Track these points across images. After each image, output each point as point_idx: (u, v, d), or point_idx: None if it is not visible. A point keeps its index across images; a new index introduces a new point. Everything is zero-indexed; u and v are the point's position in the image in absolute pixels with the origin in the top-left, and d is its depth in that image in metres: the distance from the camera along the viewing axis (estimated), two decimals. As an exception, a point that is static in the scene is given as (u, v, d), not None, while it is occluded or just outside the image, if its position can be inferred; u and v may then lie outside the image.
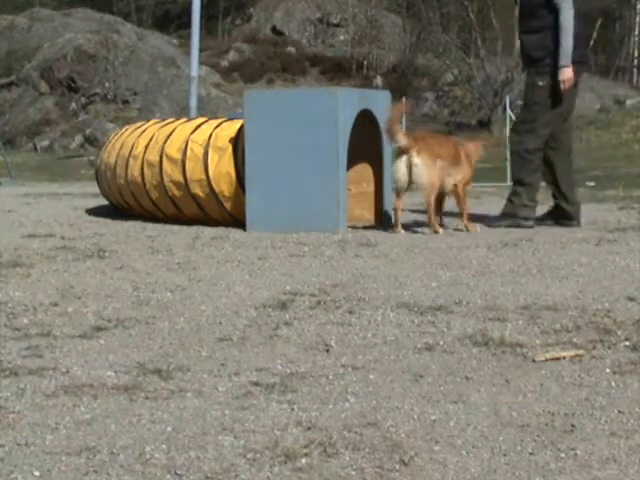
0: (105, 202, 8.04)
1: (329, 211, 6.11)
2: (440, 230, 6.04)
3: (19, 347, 3.16)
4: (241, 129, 6.43)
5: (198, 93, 12.58)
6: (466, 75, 25.85)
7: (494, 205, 7.27)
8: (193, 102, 11.75)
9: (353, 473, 2.06)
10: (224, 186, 6.44)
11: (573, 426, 2.34)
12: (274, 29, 32.75)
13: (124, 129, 7.86)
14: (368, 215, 6.78)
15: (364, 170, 6.78)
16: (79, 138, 22.67)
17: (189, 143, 6.60)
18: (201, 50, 13.50)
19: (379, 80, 28.61)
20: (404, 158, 6.01)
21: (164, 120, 7.65)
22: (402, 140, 5.99)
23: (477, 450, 2.19)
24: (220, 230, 6.27)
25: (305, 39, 32.68)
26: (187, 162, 6.55)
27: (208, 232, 6.17)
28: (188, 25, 13.28)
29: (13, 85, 25.18)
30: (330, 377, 2.79)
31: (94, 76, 24.47)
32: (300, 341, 3.24)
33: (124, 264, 4.87)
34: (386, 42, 31.02)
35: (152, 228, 6.53)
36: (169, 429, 2.34)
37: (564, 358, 2.96)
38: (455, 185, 6.24)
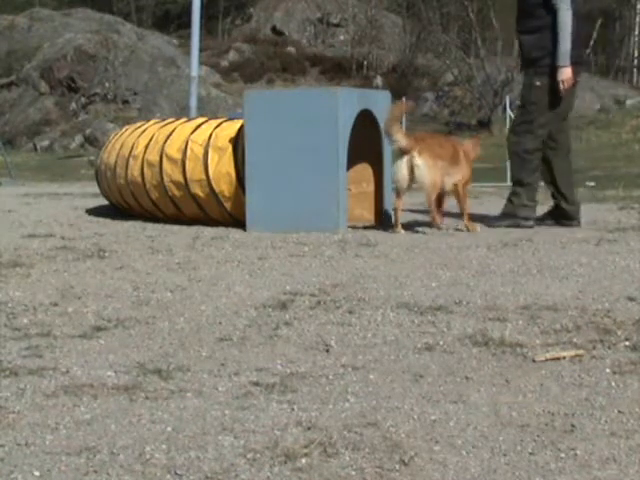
0: (105, 202, 8.04)
1: (329, 211, 6.11)
2: (443, 227, 6.06)
3: (19, 347, 3.16)
4: (241, 129, 6.43)
5: (198, 93, 12.58)
6: (466, 75, 25.86)
7: (494, 205, 7.27)
8: (193, 102, 11.75)
9: (353, 473, 2.06)
10: (224, 186, 6.44)
11: (573, 426, 2.34)
12: (274, 29, 32.75)
13: (124, 129, 7.86)
14: (368, 215, 6.78)
15: (364, 170, 6.78)
16: (79, 138, 22.68)
17: (189, 143, 6.60)
18: (201, 50, 13.51)
19: (379, 80, 28.61)
20: (405, 159, 6.00)
21: (164, 120, 7.65)
22: (402, 140, 5.98)
23: (477, 450, 2.19)
24: (220, 230, 6.27)
25: (305, 39, 32.68)
26: (187, 162, 6.55)
27: (208, 232, 6.17)
28: (188, 25, 13.28)
29: (13, 85, 25.19)
30: (330, 377, 2.79)
31: (94, 76, 24.47)
32: (300, 341, 3.24)
33: (124, 264, 4.87)
34: (386, 42, 31.02)
35: (152, 228, 6.53)
36: (169, 429, 2.34)
37: (564, 358, 2.96)
38: (455, 185, 6.25)
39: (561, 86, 6.18)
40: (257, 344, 3.20)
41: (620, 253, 5.08)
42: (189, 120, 7.51)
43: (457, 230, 6.22)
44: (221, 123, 6.78)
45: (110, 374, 2.83)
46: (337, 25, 32.76)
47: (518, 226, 6.26)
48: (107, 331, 3.40)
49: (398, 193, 6.14)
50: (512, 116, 11.76)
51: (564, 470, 2.07)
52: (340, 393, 2.63)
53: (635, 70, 32.73)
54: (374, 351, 3.09)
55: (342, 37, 32.29)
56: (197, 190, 6.53)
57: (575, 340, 3.19)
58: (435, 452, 2.18)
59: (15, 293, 4.09)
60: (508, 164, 7.88)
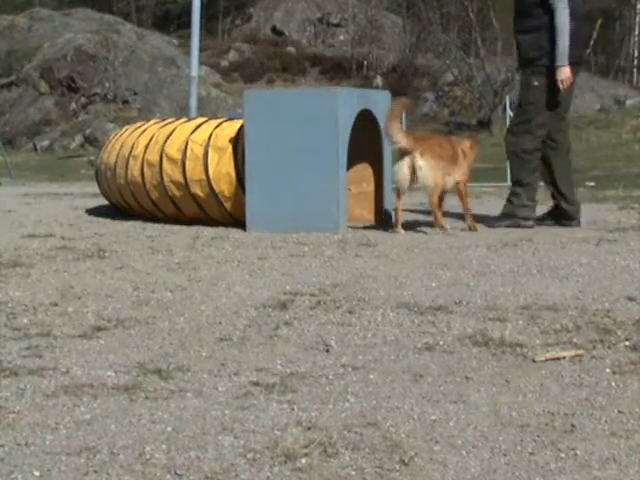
0: (105, 202, 8.04)
1: (329, 211, 6.11)
2: (447, 226, 6.04)
3: (19, 347, 3.16)
4: (241, 129, 6.43)
5: (198, 93, 12.57)
6: (466, 75, 25.86)
7: (494, 205, 7.27)
8: (193, 102, 11.75)
9: (353, 473, 2.06)
10: (224, 186, 6.44)
11: (573, 426, 2.34)
12: (274, 29, 32.74)
13: (124, 129, 7.86)
14: (368, 215, 6.78)
15: (364, 170, 6.78)
16: (79, 138, 22.68)
17: (189, 143, 6.60)
18: (201, 50, 13.50)
19: (379, 80, 28.61)
20: (407, 159, 6.00)
21: (164, 120, 7.65)
22: (403, 141, 5.97)
23: (477, 450, 2.19)
24: (220, 230, 6.27)
25: (305, 39, 32.67)
26: (187, 162, 6.55)
27: (208, 232, 6.17)
28: (188, 25, 13.27)
29: (13, 85, 25.18)
30: (330, 377, 2.79)
31: (94, 76, 24.47)
32: (300, 341, 3.24)
33: (124, 264, 4.87)
34: (386, 42, 31.01)
35: (152, 228, 6.53)
36: (169, 429, 2.34)
37: (564, 358, 2.96)
38: (458, 183, 6.25)
39: (560, 86, 6.18)
40: (257, 344, 3.20)
41: (620, 253, 5.08)
42: (189, 120, 7.51)
43: (462, 230, 6.21)
44: (221, 123, 6.78)
45: (110, 374, 2.83)
46: (337, 25, 32.76)
47: (518, 226, 6.26)
48: (107, 331, 3.40)
49: (398, 193, 6.14)
50: (512, 116, 11.77)
51: (564, 470, 2.07)
52: (340, 393, 2.63)
53: (635, 70, 32.73)
54: (374, 351, 3.09)
55: (342, 37, 32.28)
56: (197, 190, 6.53)
57: (575, 340, 3.19)
58: (435, 452, 2.18)
59: (15, 293, 4.09)
60: (508, 164, 7.88)
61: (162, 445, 2.23)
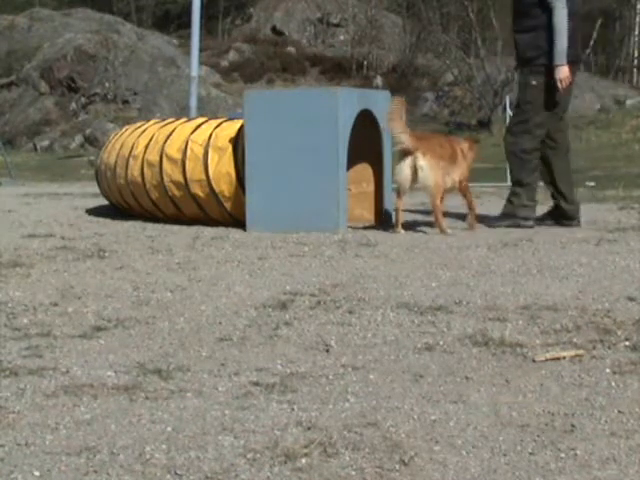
0: (105, 202, 8.05)
1: (329, 211, 6.11)
2: (448, 231, 6.01)
3: (19, 347, 3.16)
4: (241, 129, 6.43)
5: (198, 93, 12.57)
6: (466, 75, 25.86)
7: (494, 205, 7.27)
8: (193, 102, 11.75)
9: (353, 473, 2.06)
10: (224, 186, 6.44)
11: (573, 426, 2.34)
12: (274, 29, 32.74)
13: (124, 129, 7.86)
14: (368, 215, 6.78)
15: (364, 170, 6.78)
16: (79, 138, 22.68)
17: (189, 143, 6.60)
18: (201, 50, 13.50)
19: (379, 80, 28.61)
20: (408, 160, 5.99)
21: (164, 120, 7.65)
22: (406, 140, 5.96)
23: (477, 450, 2.19)
24: (220, 230, 6.27)
25: (305, 39, 32.68)
26: (187, 162, 6.55)
27: (208, 232, 6.17)
28: (188, 25, 13.27)
29: (13, 85, 25.19)
30: (330, 377, 2.79)
31: (94, 76, 24.47)
32: (300, 341, 3.24)
33: (124, 264, 4.87)
34: (386, 42, 31.02)
35: (152, 228, 6.53)
36: (169, 429, 2.34)
37: (564, 358, 2.96)
38: (460, 182, 6.25)
39: (559, 85, 6.18)
40: (257, 344, 3.20)
41: (620, 253, 5.08)
42: (189, 120, 7.51)
43: (462, 230, 6.20)
44: (221, 123, 6.78)
45: (110, 374, 2.83)
46: (337, 25, 32.76)
47: (518, 226, 6.26)
48: (107, 331, 3.40)
49: (399, 193, 6.13)
50: (511, 116, 11.76)
51: (564, 470, 2.07)
52: (340, 393, 2.63)
53: (635, 70, 32.73)
54: (374, 351, 3.09)
55: (342, 37, 32.28)
56: (197, 190, 6.53)
57: (575, 340, 3.19)
58: (435, 452, 2.18)
59: (15, 293, 4.09)
60: (508, 164, 7.88)
61: (162, 445, 2.23)
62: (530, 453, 2.17)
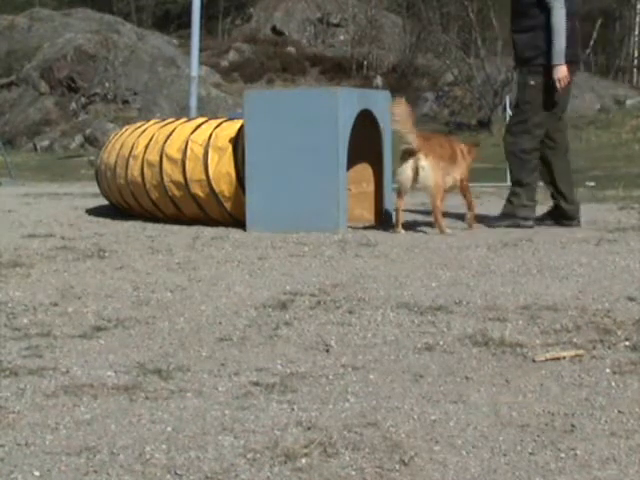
0: (105, 202, 8.05)
1: (329, 211, 6.11)
2: (448, 231, 6.01)
3: (19, 347, 3.16)
4: (241, 129, 6.43)
5: (198, 93, 12.57)
6: (466, 75, 25.86)
7: (494, 205, 7.27)
8: (193, 102, 11.75)
9: (353, 473, 2.06)
10: (224, 186, 6.44)
11: (573, 426, 2.34)
12: (274, 29, 32.75)
13: (124, 129, 7.86)
14: (368, 215, 6.78)
15: (364, 170, 6.78)
16: (79, 138, 22.68)
17: (189, 143, 6.60)
18: (201, 50, 13.50)
19: (379, 80, 28.62)
20: (410, 160, 5.99)
21: (164, 120, 7.65)
22: (413, 141, 5.94)
23: (477, 450, 2.19)
24: (220, 230, 6.27)
25: (305, 39, 32.68)
26: (187, 162, 6.55)
27: (208, 232, 6.17)
28: (188, 25, 13.27)
29: (13, 85, 25.19)
30: (330, 377, 2.79)
31: (94, 76, 24.47)
32: (300, 341, 3.24)
33: (124, 264, 4.87)
34: (386, 42, 31.02)
35: (152, 228, 6.53)
36: (169, 429, 2.34)
37: (564, 358, 2.96)
38: (461, 181, 6.25)
39: (557, 84, 6.18)
40: (257, 344, 3.20)
41: (620, 253, 5.08)
42: (189, 120, 7.51)
43: (462, 230, 6.21)
44: (221, 123, 6.78)
45: (110, 374, 2.83)
46: (337, 25, 32.76)
47: (518, 226, 6.26)
48: (107, 331, 3.40)
49: (400, 193, 6.13)
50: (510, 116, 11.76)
51: (564, 470, 2.07)
52: (340, 393, 2.63)
53: (635, 70, 32.73)
54: (374, 351, 3.09)
55: (342, 37, 32.28)
56: (197, 190, 6.53)
57: (575, 340, 3.19)
58: (435, 452, 2.18)
59: (15, 293, 4.09)
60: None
61: (162, 445, 2.23)
62: (530, 453, 2.17)
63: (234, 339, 3.27)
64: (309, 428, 2.34)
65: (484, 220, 6.51)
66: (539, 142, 6.34)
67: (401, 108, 6.08)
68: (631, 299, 3.84)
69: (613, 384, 2.70)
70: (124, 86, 24.47)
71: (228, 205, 6.47)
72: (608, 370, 2.83)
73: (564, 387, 2.68)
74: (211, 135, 6.56)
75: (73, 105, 24.13)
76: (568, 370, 2.84)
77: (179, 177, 6.60)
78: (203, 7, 12.48)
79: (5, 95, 25.00)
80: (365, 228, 6.40)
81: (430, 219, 6.26)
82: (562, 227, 6.37)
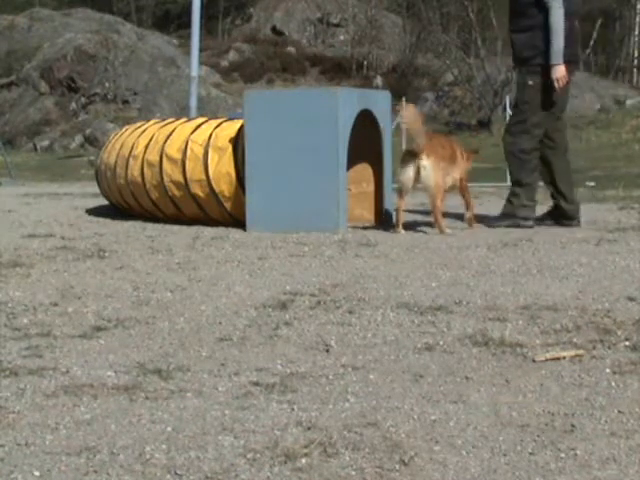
0: (105, 202, 8.05)
1: (329, 211, 6.11)
2: (448, 231, 6.01)
3: (19, 347, 3.16)
4: (241, 129, 6.44)
5: (198, 93, 12.58)
6: (466, 75, 25.86)
7: (494, 205, 7.27)
8: (193, 102, 11.75)
9: (353, 473, 2.06)
10: (224, 186, 6.44)
11: (573, 426, 2.34)
12: (274, 29, 32.76)
13: (124, 129, 7.86)
14: (368, 215, 6.78)
15: (364, 170, 6.78)
16: (79, 138, 22.69)
17: (189, 143, 6.60)
18: (201, 50, 13.50)
19: (379, 80, 28.62)
20: (412, 160, 5.99)
21: (164, 120, 7.65)
22: (421, 144, 5.95)
23: (477, 450, 2.19)
24: (220, 230, 6.27)
25: (305, 39, 32.69)
26: (187, 162, 6.55)
27: (208, 232, 6.17)
28: (188, 25, 13.28)
29: (13, 85, 25.20)
30: (330, 377, 2.79)
31: (94, 76, 24.48)
32: (300, 341, 3.24)
33: (124, 264, 4.87)
34: (386, 42, 31.03)
35: (152, 228, 6.53)
36: (169, 429, 2.34)
37: (564, 358, 2.96)
38: (461, 180, 6.26)
39: (556, 84, 6.18)
40: (257, 344, 3.20)
41: (620, 253, 5.08)
42: (189, 120, 7.51)
43: (464, 229, 6.21)
44: (221, 123, 6.78)
45: (110, 374, 2.83)
46: (337, 25, 32.77)
47: (518, 226, 6.26)
48: (107, 331, 3.40)
49: (401, 193, 6.13)
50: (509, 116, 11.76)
51: (564, 470, 2.07)
52: (340, 393, 2.63)
53: (635, 70, 32.73)
54: (374, 351, 3.09)
55: (342, 37, 32.30)
56: (197, 190, 6.53)
57: (575, 340, 3.19)
58: (435, 452, 2.18)
59: (15, 293, 4.09)
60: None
61: (162, 445, 2.23)
62: (530, 453, 2.17)
63: (234, 339, 3.27)
64: (309, 428, 2.34)
65: (484, 220, 6.51)
66: (538, 142, 6.34)
67: (411, 111, 6.10)
68: (631, 299, 3.84)
69: (613, 384, 2.70)
70: (124, 86, 24.48)
71: (228, 205, 6.47)
72: (608, 370, 2.83)
73: (564, 387, 2.68)
74: (211, 135, 6.56)
75: (73, 105, 24.13)
76: (568, 370, 2.84)
77: (179, 177, 6.60)
78: (203, 7, 12.48)
79: (5, 95, 25.00)
80: (365, 228, 6.40)
81: (430, 219, 6.26)
82: (562, 227, 6.37)
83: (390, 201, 6.77)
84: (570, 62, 6.26)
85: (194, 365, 2.93)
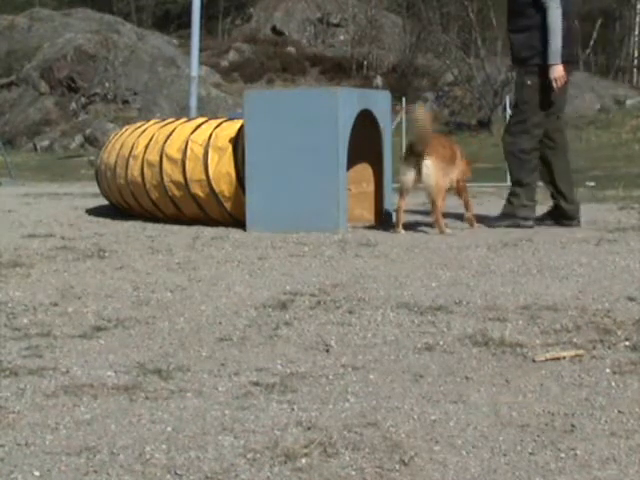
0: (105, 202, 8.05)
1: (329, 211, 6.11)
2: (448, 231, 6.01)
3: (19, 347, 3.16)
4: (241, 129, 6.44)
5: (198, 93, 12.58)
6: (466, 75, 25.85)
7: (494, 205, 7.27)
8: (193, 102, 11.75)
9: (353, 473, 2.06)
10: (224, 186, 6.44)
11: (573, 426, 2.34)
12: (274, 29, 32.75)
13: (124, 129, 7.86)
14: (368, 215, 6.78)
15: (364, 170, 6.78)
16: (79, 138, 22.69)
17: (189, 143, 6.60)
18: (201, 50, 13.50)
19: (379, 80, 28.62)
20: (413, 160, 5.99)
21: (164, 120, 7.65)
22: (428, 145, 5.98)
23: (477, 450, 2.19)
24: (220, 230, 6.27)
25: (305, 39, 32.68)
26: (187, 162, 6.55)
27: (208, 232, 6.17)
28: (188, 25, 13.28)
29: (13, 85, 25.19)
30: (330, 377, 2.79)
31: (94, 76, 24.47)
32: (300, 341, 3.24)
33: (124, 264, 4.87)
34: (386, 42, 31.02)
35: (152, 228, 6.53)
36: (169, 429, 2.34)
37: (564, 358, 2.96)
38: (458, 181, 6.26)
39: (554, 84, 6.18)
40: (257, 344, 3.20)
41: (620, 253, 5.08)
42: (189, 120, 7.51)
43: (462, 230, 6.21)
44: (221, 123, 6.78)
45: (110, 374, 2.83)
46: (337, 25, 32.77)
47: (518, 226, 6.26)
48: (107, 331, 3.40)
49: (402, 193, 6.13)
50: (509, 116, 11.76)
51: (564, 470, 2.07)
52: (340, 393, 2.63)
53: (635, 70, 32.71)
54: (374, 351, 3.09)
55: (342, 37, 32.29)
56: (197, 190, 6.53)
57: (575, 340, 3.19)
58: (435, 452, 2.18)
59: (15, 293, 4.09)
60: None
61: (162, 445, 2.23)
62: (530, 453, 2.17)
63: (234, 339, 3.27)
64: (309, 428, 2.34)
65: (484, 220, 6.51)
66: (538, 142, 6.34)
67: (421, 112, 6.13)
68: (631, 299, 3.84)
69: (613, 384, 2.70)
70: (124, 86, 24.47)
71: (228, 205, 6.48)
72: (608, 370, 2.83)
73: (564, 387, 2.68)
74: (211, 135, 6.56)
75: (73, 105, 24.13)
76: (568, 370, 2.84)
77: (179, 177, 6.60)
78: (203, 7, 12.48)
79: (5, 95, 25.00)
80: (365, 228, 6.40)
81: (430, 219, 6.26)
82: (562, 227, 6.37)
83: (390, 201, 6.77)
84: (568, 62, 6.26)
85: (194, 365, 2.93)
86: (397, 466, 2.10)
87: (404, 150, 6.28)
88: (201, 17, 12.13)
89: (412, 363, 2.95)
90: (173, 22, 35.19)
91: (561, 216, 6.48)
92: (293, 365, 2.93)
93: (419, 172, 5.98)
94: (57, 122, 23.66)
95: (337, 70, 30.04)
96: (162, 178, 6.69)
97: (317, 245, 5.52)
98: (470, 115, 25.52)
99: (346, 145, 6.16)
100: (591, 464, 2.11)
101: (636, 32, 32.27)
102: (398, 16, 32.31)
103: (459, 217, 6.59)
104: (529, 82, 6.27)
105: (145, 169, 6.82)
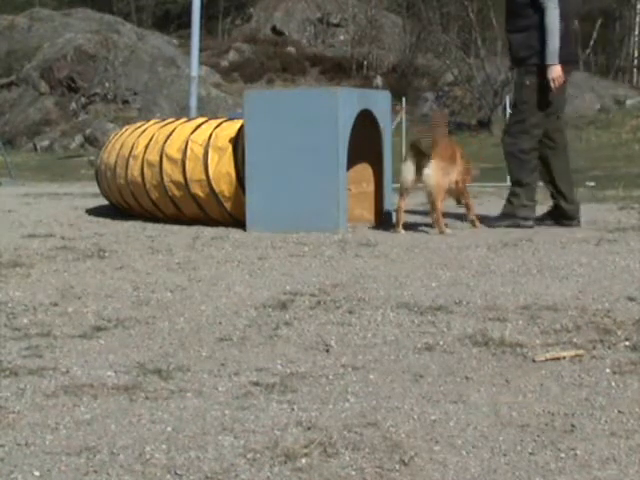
0: (105, 202, 8.05)
1: (329, 211, 6.11)
2: (448, 231, 6.01)
3: (19, 347, 3.16)
4: (241, 129, 6.44)
5: (198, 93, 12.58)
6: (466, 75, 25.86)
7: (494, 205, 7.27)
8: (193, 102, 11.76)
9: (353, 473, 2.06)
10: (224, 186, 6.44)
11: (573, 426, 2.34)
12: (274, 29, 32.75)
13: (124, 129, 7.86)
14: (368, 215, 6.78)
15: (364, 170, 6.78)
16: (79, 138, 22.69)
17: (189, 143, 6.60)
18: (201, 50, 13.50)
19: (379, 80, 28.62)
20: (414, 160, 6.00)
21: (164, 120, 7.65)
22: (438, 145, 6.00)
23: (477, 450, 2.19)
24: (220, 230, 6.27)
25: (305, 39, 32.68)
26: (187, 162, 6.55)
27: (208, 232, 6.17)
28: (188, 25, 13.28)
29: (13, 85, 25.19)
30: (330, 377, 2.79)
31: (94, 76, 24.47)
32: (300, 341, 3.24)
33: (124, 264, 4.87)
34: (386, 42, 31.02)
35: (152, 228, 6.53)
36: (169, 429, 2.34)
37: (564, 358, 2.96)
38: (457, 182, 6.26)
39: (552, 84, 6.18)
40: (257, 344, 3.20)
41: (620, 253, 5.08)
42: (189, 120, 7.51)
43: (462, 230, 6.21)
44: (221, 123, 6.78)
45: (110, 374, 2.83)
46: (337, 25, 32.77)
47: (518, 226, 6.26)
48: (107, 331, 3.40)
49: (402, 193, 6.13)
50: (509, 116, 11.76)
51: (564, 470, 2.07)
52: (340, 393, 2.63)
53: (635, 70, 32.72)
54: (374, 351, 3.09)
55: (342, 37, 32.29)
56: (197, 190, 6.53)
57: (575, 340, 3.19)
58: (435, 452, 2.18)
59: (15, 293, 4.09)
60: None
61: (162, 445, 2.23)
62: (530, 453, 2.17)
63: (234, 339, 3.27)
64: (309, 428, 2.34)
65: (484, 220, 6.51)
66: (537, 142, 6.34)
67: (443, 116, 6.15)
68: (631, 299, 3.84)
69: (613, 384, 2.70)
70: (124, 86, 24.47)
71: (228, 205, 6.48)
72: (608, 370, 2.83)
73: (564, 387, 2.68)
74: (211, 135, 6.56)
75: (73, 105, 24.13)
76: (568, 370, 2.84)
77: (179, 177, 6.60)
78: (203, 7, 12.48)
79: (5, 95, 25.00)
80: (365, 228, 6.40)
81: (430, 219, 6.26)
82: (562, 227, 6.37)
83: (390, 201, 6.77)
84: (566, 62, 6.26)
85: (194, 365, 2.93)
86: (397, 466, 2.10)
87: (404, 150, 6.27)
88: (201, 17, 12.13)
89: (412, 363, 2.95)
90: (173, 22, 35.20)
91: (561, 216, 6.48)
92: (293, 365, 2.93)
93: (420, 172, 5.98)
94: (57, 122, 23.67)
95: (337, 70, 30.04)
96: (162, 178, 6.69)
97: (317, 245, 5.52)
98: (470, 115, 25.52)
99: (346, 145, 6.16)
100: (591, 464, 2.11)
101: (636, 32, 32.28)
102: (398, 16, 32.31)
103: (459, 217, 6.59)
104: (528, 82, 6.28)
105: (145, 169, 6.82)
